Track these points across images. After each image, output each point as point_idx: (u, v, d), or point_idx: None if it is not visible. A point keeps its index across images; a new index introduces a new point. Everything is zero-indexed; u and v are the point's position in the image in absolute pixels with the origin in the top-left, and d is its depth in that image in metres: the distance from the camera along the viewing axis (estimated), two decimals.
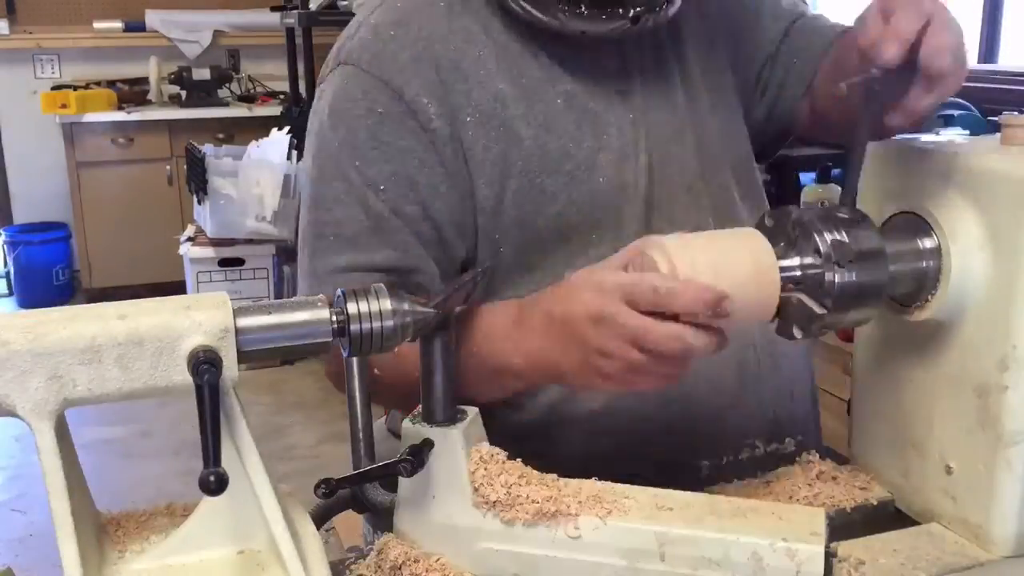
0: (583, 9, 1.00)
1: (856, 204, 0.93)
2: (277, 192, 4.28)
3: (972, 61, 3.23)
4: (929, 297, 0.87)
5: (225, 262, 4.46)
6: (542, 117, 1.03)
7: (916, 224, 0.90)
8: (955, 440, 0.89)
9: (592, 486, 0.85)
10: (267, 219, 4.30)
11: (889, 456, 0.98)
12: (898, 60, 0.83)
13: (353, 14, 4.30)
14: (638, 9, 1.01)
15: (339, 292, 0.75)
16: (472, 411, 0.87)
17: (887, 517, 0.96)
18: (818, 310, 0.83)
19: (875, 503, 0.96)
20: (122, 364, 0.68)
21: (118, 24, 5.40)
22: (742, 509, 0.83)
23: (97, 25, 5.37)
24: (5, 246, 5.26)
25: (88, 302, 0.72)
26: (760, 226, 0.89)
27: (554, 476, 0.85)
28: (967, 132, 1.00)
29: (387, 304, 0.75)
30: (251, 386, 4.21)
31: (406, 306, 0.76)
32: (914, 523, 0.94)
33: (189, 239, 4.57)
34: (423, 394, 0.85)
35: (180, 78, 5.19)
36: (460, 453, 0.83)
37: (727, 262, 0.82)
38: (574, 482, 0.85)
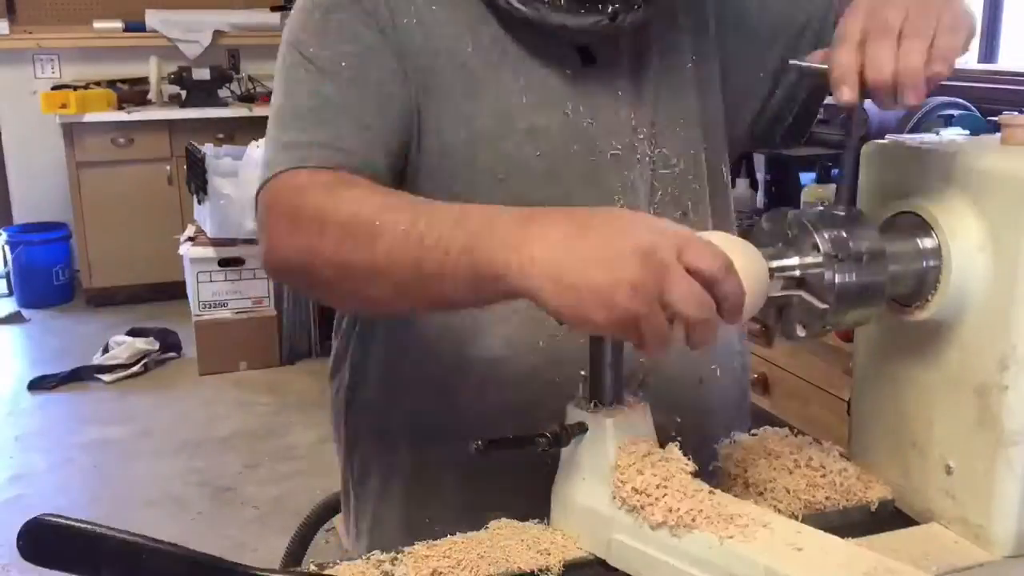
0: (562, 2, 1.03)
1: (856, 204, 0.93)
2: None
3: (972, 61, 3.23)
4: (929, 297, 0.87)
5: (225, 262, 4.45)
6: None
7: (916, 224, 0.90)
8: (955, 440, 0.89)
9: (738, 505, 0.83)
10: None
11: (889, 456, 0.98)
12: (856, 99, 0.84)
13: None
14: (616, 6, 1.03)
15: None
16: (640, 405, 0.89)
17: (887, 517, 0.96)
18: (820, 306, 0.84)
19: (875, 503, 0.96)
20: None
21: (118, 24, 5.40)
22: (879, 570, 0.76)
23: (97, 25, 5.37)
24: (5, 246, 5.25)
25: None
26: (757, 229, 0.89)
27: (700, 484, 0.85)
28: (967, 132, 1.00)
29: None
30: (251, 386, 4.21)
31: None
32: (914, 523, 0.94)
33: (189, 239, 4.57)
34: (591, 381, 0.88)
35: (180, 78, 5.19)
36: (610, 442, 0.86)
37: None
38: (723, 496, 0.84)
